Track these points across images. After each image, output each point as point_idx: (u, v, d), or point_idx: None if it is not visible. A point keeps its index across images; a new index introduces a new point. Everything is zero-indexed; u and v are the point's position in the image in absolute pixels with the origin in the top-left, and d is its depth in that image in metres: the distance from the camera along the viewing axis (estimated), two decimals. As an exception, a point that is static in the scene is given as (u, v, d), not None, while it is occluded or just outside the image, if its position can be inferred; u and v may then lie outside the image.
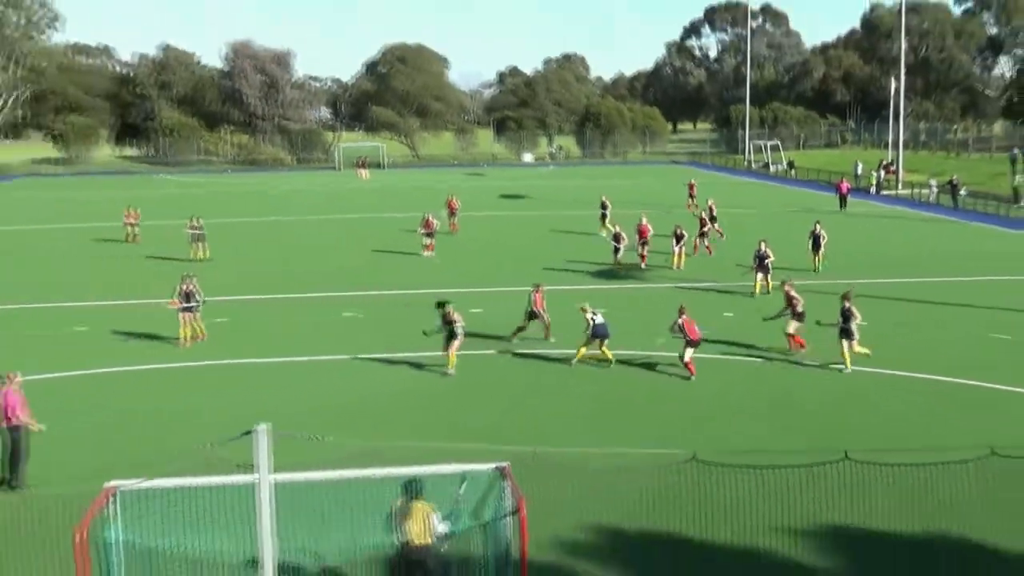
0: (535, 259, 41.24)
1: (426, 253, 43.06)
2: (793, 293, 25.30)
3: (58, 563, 12.62)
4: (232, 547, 10.40)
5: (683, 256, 39.56)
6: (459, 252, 44.72)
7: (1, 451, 17.11)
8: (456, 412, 21.17)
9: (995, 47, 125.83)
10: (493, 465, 11.24)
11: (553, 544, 14.31)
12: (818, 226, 38.68)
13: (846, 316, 23.31)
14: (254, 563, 9.82)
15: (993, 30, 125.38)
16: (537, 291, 26.91)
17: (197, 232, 43.03)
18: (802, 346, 24.52)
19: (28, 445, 17.14)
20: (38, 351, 27.01)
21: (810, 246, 38.33)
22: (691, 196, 61.50)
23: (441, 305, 23.84)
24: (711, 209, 45.65)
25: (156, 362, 25.65)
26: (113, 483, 10.43)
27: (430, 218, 44.13)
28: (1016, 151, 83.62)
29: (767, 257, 32.84)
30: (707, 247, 42.48)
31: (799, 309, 24.89)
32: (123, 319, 31.01)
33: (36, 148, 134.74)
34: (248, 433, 8.49)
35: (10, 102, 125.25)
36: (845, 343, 23.23)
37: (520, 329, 26.94)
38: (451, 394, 22.54)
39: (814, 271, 37.02)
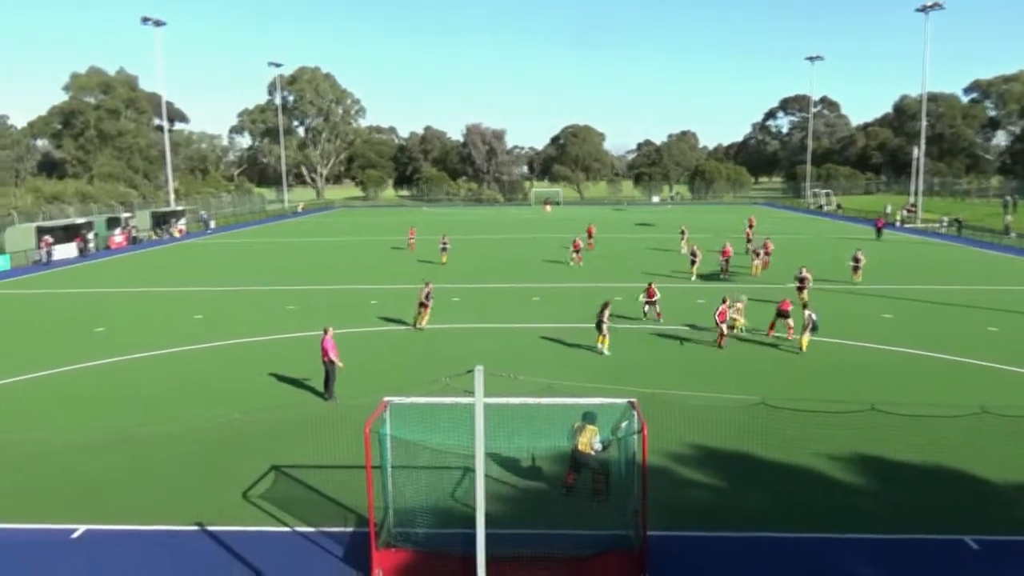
0: (655, 264, 40.54)
1: (572, 263, 41.25)
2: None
3: (356, 445, 13.27)
4: (457, 442, 10.69)
5: (759, 268, 37.93)
6: (598, 261, 44.25)
7: (324, 377, 18.04)
8: (601, 364, 21.07)
9: (993, 124, 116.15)
10: (627, 400, 11.17)
11: (664, 455, 14.12)
12: (859, 252, 35.74)
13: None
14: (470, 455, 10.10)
15: (992, 112, 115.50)
16: (650, 286, 26.57)
17: (445, 245, 43.45)
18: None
19: (335, 374, 17.93)
20: (346, 314, 28.31)
21: (851, 266, 35.09)
22: (750, 227, 54.66)
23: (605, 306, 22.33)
24: (766, 246, 39.70)
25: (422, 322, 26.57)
26: (387, 398, 10.89)
27: (577, 239, 43.42)
28: (1007, 197, 76.88)
29: (805, 278, 29.27)
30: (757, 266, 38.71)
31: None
32: (401, 297, 32.20)
33: (348, 190, 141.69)
34: (470, 371, 8.69)
35: (334, 161, 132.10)
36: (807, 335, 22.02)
37: (655, 311, 26.31)
38: (589, 352, 22.44)
39: (854, 284, 34.18)
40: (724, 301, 23.03)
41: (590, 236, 49.98)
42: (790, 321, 23.50)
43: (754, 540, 11.21)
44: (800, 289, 29.12)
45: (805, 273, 29.58)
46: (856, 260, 35.07)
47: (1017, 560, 10.58)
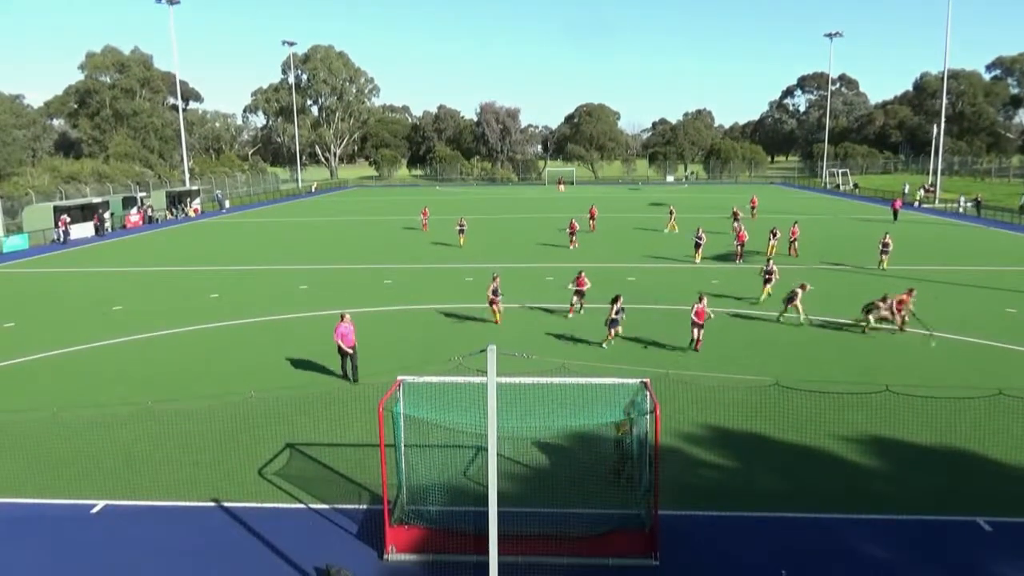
0: (661, 246, 40.34)
1: (572, 247, 39.71)
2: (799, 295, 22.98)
3: (370, 423, 13.37)
4: (469, 421, 10.73)
5: (774, 249, 36.70)
6: (606, 241, 44.00)
7: (351, 363, 17.92)
8: (614, 344, 21.03)
9: (1016, 102, 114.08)
10: (639, 380, 11.17)
11: (676, 434, 14.13)
12: (887, 237, 33.69)
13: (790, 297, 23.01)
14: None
15: (1015, 90, 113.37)
16: (579, 275, 24.18)
17: (462, 227, 42.37)
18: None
19: (357, 358, 17.85)
20: (359, 294, 28.47)
21: (880, 250, 33.10)
22: (752, 208, 55.25)
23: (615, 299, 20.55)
24: (793, 231, 37.57)
25: (435, 303, 26.64)
26: (400, 377, 10.96)
27: (573, 221, 41.75)
28: (1028, 177, 75.93)
29: (772, 271, 26.00)
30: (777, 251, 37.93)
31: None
32: (417, 277, 32.30)
33: (362, 170, 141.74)
34: (483, 351, 8.71)
35: (347, 141, 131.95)
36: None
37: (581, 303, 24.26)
38: (600, 333, 22.37)
39: (881, 269, 32.52)
40: (701, 299, 20.16)
41: (592, 218, 48.59)
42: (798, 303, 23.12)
43: (765, 520, 11.24)
44: (767, 282, 26.21)
45: (772, 266, 26.35)
46: (885, 245, 33.23)
47: (1030, 542, 10.55)
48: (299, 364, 19.33)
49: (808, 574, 9.81)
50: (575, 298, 24.21)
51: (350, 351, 17.72)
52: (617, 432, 12.10)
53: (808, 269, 32.88)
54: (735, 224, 43.21)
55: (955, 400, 14.78)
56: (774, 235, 37.56)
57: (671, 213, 49.00)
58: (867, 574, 9.81)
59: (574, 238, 40.63)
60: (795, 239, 37.23)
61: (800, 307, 22.98)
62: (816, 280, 28.10)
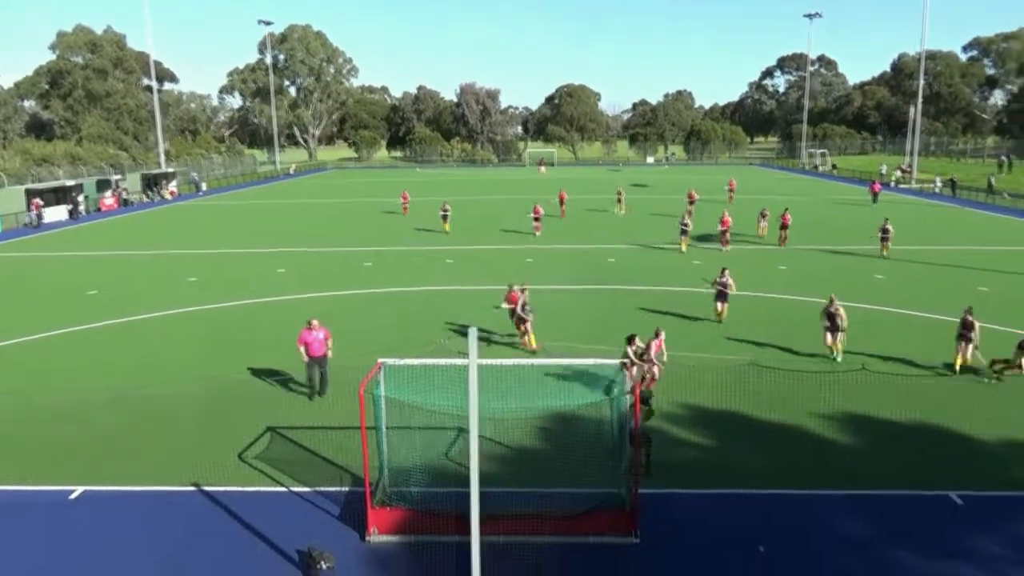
0: (635, 230, 40.44)
1: (536, 234, 37.77)
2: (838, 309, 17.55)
3: (351, 406, 13.34)
4: (450, 403, 10.75)
5: (767, 230, 36.60)
6: (568, 227, 44.01)
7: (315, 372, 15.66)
8: (593, 325, 21.12)
9: (991, 83, 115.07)
10: (618, 361, 11.22)
11: (655, 414, 14.24)
12: (887, 221, 31.84)
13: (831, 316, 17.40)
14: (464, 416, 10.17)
15: (991, 71, 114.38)
16: (511, 291, 19.22)
17: (446, 212, 39.95)
18: None
19: (328, 370, 15.52)
20: (341, 278, 28.31)
21: (880, 237, 31.34)
22: (730, 191, 53.36)
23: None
24: (784, 218, 34.71)
25: (416, 285, 26.57)
26: (381, 360, 10.93)
27: (537, 206, 39.32)
28: (1002, 157, 76.76)
29: (837, 314, 17.48)
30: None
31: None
32: (398, 259, 32.16)
33: (341, 151, 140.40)
34: (464, 333, 8.70)
35: (326, 122, 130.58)
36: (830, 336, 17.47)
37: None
38: (581, 314, 22.48)
39: (883, 256, 31.04)
40: (657, 335, 15.68)
41: (561, 202, 46.63)
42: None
43: (743, 497, 11.39)
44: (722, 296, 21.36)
45: (728, 278, 21.17)
46: (884, 232, 31.44)
47: (998, 514, 10.79)
48: (278, 347, 19.17)
49: (786, 549, 9.98)
50: (521, 325, 18.51)
51: (314, 361, 15.43)
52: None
53: (795, 252, 33.14)
54: (689, 207, 43.10)
55: (928, 378, 15.03)
56: (764, 216, 37.30)
57: (619, 194, 48.37)
58: (844, 548, 9.99)
59: (538, 223, 38.38)
60: (786, 227, 34.54)
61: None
62: (810, 264, 28.34)
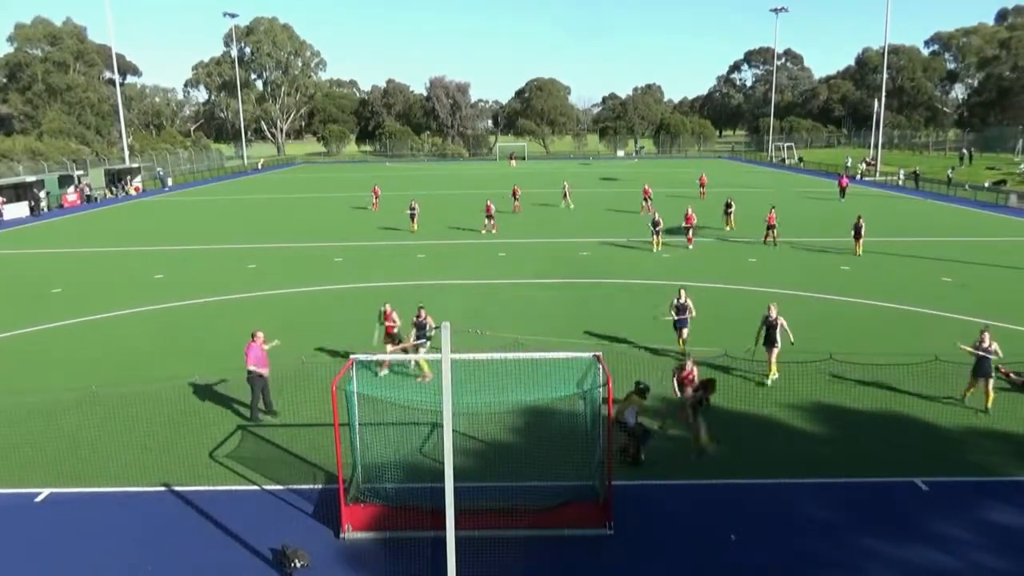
0: (600, 225, 40.59)
1: (485, 231, 36.97)
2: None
3: (323, 403, 13.24)
4: (424, 398, 10.73)
5: (733, 223, 36.87)
6: (523, 223, 44.05)
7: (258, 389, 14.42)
8: (566, 318, 21.18)
9: (952, 77, 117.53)
10: (592, 353, 11.27)
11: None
12: (859, 218, 30.82)
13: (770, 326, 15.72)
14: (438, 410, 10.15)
15: (951, 65, 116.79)
16: (386, 311, 16.28)
17: (413, 211, 38.71)
18: None
19: (260, 387, 14.25)
20: (310, 272, 28.05)
21: (853, 235, 30.34)
22: (702, 186, 52.61)
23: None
24: (770, 217, 33.11)
25: (387, 280, 26.41)
26: (354, 356, 10.85)
27: (489, 203, 38.23)
28: (963, 151, 78.37)
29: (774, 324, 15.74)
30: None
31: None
32: (368, 255, 31.94)
33: (310, 146, 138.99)
34: (436, 328, 8.67)
35: (294, 116, 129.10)
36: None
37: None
38: (554, 308, 22.54)
39: (856, 255, 29.99)
40: (688, 362, 14.07)
41: (515, 197, 46.08)
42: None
43: (715, 487, 11.53)
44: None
45: (685, 300, 17.75)
46: (857, 229, 30.36)
47: (962, 499, 11.06)
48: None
49: (757, 537, 10.12)
50: (418, 348, 15.59)
51: (265, 375, 14.34)
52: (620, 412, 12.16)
53: (761, 245, 33.53)
54: (644, 203, 43.49)
55: (894, 367, 15.32)
56: (729, 207, 37.52)
57: (564, 187, 49.12)
58: (813, 535, 10.16)
59: (491, 222, 37.23)
60: (773, 226, 32.71)
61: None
62: (781, 258, 28.62)
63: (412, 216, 38.74)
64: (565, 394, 12.17)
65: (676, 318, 17.55)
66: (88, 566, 9.66)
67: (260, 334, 14.65)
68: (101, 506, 11.15)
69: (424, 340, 15.53)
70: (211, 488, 11.61)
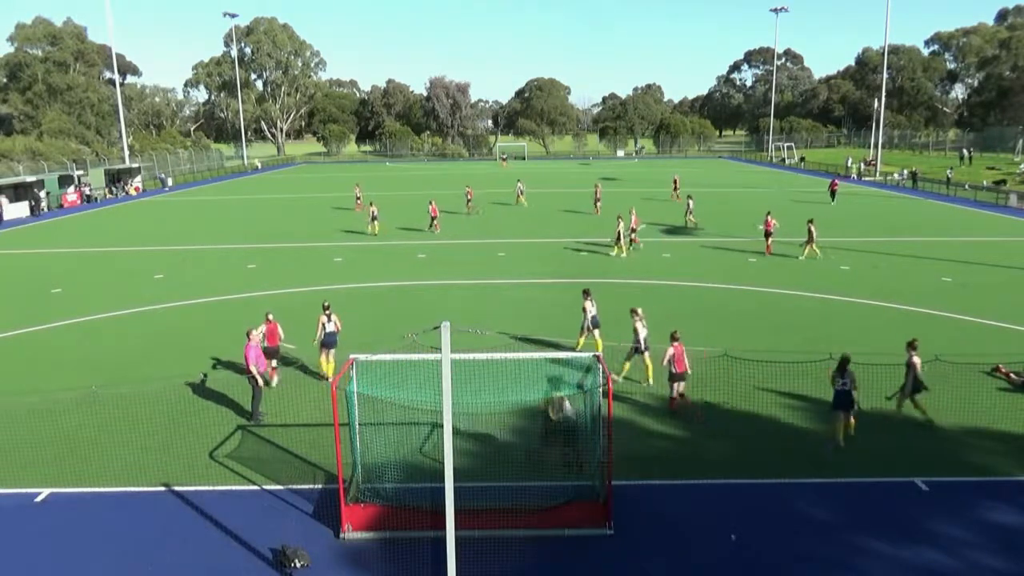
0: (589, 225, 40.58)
1: (429, 229, 36.92)
2: None
3: (323, 403, 13.21)
4: (423, 398, 10.71)
5: (692, 217, 37.99)
6: (475, 223, 44.02)
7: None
8: (565, 319, 21.16)
9: (952, 77, 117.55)
10: (592, 353, 11.26)
11: (627, 405, 14.33)
12: (811, 223, 29.64)
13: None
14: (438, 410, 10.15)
15: (951, 65, 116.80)
16: (268, 320, 16.01)
17: (373, 212, 37.30)
18: None
19: (260, 392, 14.10)
20: (311, 273, 28.04)
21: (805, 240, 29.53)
22: (675, 188, 51.38)
23: None
24: (767, 223, 31.12)
25: (387, 280, 26.37)
26: (353, 356, 10.85)
27: (433, 204, 38.00)
28: (964, 151, 78.40)
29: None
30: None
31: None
32: (368, 255, 31.91)
33: (310, 146, 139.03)
34: (436, 327, 8.65)
35: (294, 116, 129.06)
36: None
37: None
38: (555, 308, 22.52)
39: (801, 258, 29.22)
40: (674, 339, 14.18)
41: (468, 200, 45.57)
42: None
43: (716, 487, 11.51)
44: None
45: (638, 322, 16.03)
46: (809, 233, 29.49)
47: (961, 499, 11.05)
48: (249, 345, 18.94)
49: (757, 537, 10.11)
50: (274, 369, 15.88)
51: (265, 372, 14.36)
52: (550, 412, 12.10)
53: (754, 244, 33.48)
54: (597, 203, 44.16)
55: (895, 367, 15.30)
56: (690, 199, 39.10)
57: (519, 185, 50.70)
58: (814, 535, 10.15)
59: (435, 223, 36.92)
60: (770, 234, 30.83)
61: None
62: (793, 261, 28.53)
63: (373, 219, 37.13)
64: (566, 394, 12.16)
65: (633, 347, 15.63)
66: (88, 566, 9.64)
67: (255, 333, 14.50)
68: (101, 506, 11.14)
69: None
70: (211, 488, 11.59)
